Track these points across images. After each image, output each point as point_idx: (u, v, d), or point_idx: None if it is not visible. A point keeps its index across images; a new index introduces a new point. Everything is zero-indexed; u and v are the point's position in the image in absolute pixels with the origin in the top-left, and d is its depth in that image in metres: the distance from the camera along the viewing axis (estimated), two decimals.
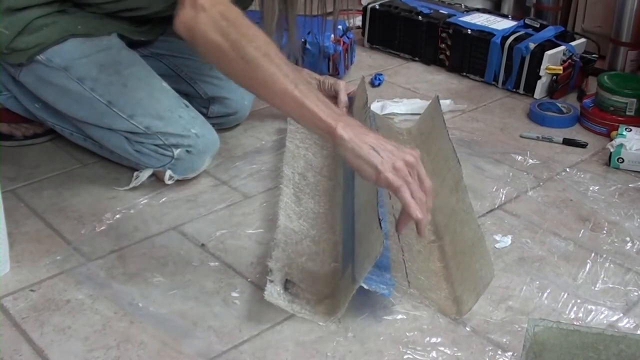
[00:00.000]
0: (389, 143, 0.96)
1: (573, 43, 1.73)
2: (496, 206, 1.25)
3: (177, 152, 1.25)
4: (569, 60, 1.71)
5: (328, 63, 1.75)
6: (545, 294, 1.03)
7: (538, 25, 1.77)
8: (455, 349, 0.92)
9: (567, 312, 0.99)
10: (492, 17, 1.88)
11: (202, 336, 0.94)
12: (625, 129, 1.44)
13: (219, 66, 1.05)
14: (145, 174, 1.28)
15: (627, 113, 1.53)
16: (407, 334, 0.94)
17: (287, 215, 1.17)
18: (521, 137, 1.52)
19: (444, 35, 1.86)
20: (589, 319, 0.98)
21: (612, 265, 1.10)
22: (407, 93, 1.74)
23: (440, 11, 1.93)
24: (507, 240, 1.15)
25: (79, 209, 1.23)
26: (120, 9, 1.28)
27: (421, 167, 0.96)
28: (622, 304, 1.01)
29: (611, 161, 1.39)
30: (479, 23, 1.83)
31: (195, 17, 0.99)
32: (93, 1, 1.27)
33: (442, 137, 1.32)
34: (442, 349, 0.92)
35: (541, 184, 1.33)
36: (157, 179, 1.31)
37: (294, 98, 0.96)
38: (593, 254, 1.12)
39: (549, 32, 1.74)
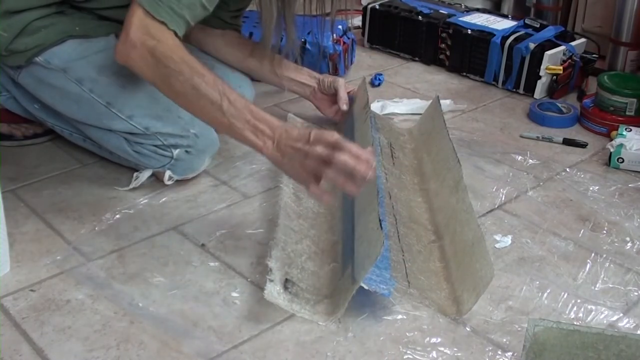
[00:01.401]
0: (306, 140, 1.00)
1: (573, 43, 1.73)
2: (496, 206, 1.25)
3: (176, 152, 1.25)
4: (569, 60, 1.71)
5: (328, 63, 1.75)
6: (545, 294, 1.03)
7: (538, 25, 1.77)
8: (455, 349, 0.92)
9: (567, 312, 0.99)
10: (492, 17, 1.88)
11: (202, 336, 0.94)
12: (625, 129, 1.44)
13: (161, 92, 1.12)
14: (144, 175, 1.28)
15: (627, 113, 1.53)
16: (407, 334, 0.94)
17: (286, 214, 1.17)
18: (521, 137, 1.52)
19: (444, 35, 1.86)
20: (589, 319, 0.98)
21: (612, 265, 1.10)
22: (407, 93, 1.74)
23: (440, 11, 1.93)
24: (507, 240, 1.15)
25: (79, 209, 1.23)
26: (119, 16, 1.28)
27: (343, 145, 0.97)
28: (622, 303, 1.01)
29: (611, 161, 1.39)
30: (479, 23, 1.83)
31: (127, 54, 1.09)
32: (92, 6, 1.27)
33: (442, 137, 1.32)
34: (442, 349, 0.92)
35: (541, 184, 1.33)
36: (157, 179, 1.31)
37: (223, 124, 1.05)
38: (593, 254, 1.12)
39: (549, 32, 1.74)
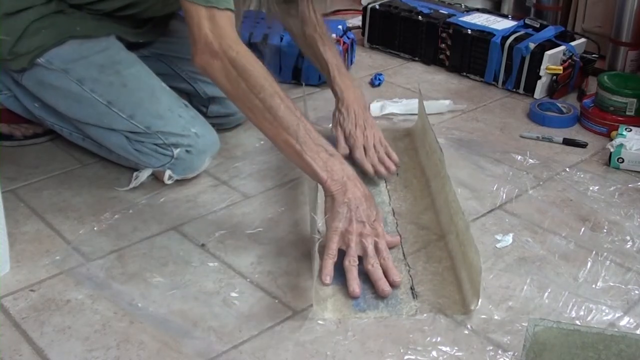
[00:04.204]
0: (370, 217, 1.05)
1: (573, 43, 1.73)
2: (496, 206, 1.25)
3: (176, 151, 1.25)
4: (569, 60, 1.70)
5: None
6: (546, 294, 1.03)
7: (538, 25, 1.77)
8: (456, 348, 0.92)
9: (567, 312, 0.99)
10: (492, 17, 1.88)
11: (202, 336, 0.94)
12: (625, 129, 1.44)
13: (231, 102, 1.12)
14: (144, 174, 1.28)
15: (627, 113, 1.53)
16: (408, 334, 0.94)
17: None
18: (521, 137, 1.52)
19: (444, 35, 1.86)
20: (589, 318, 0.98)
21: (612, 265, 1.10)
22: (407, 93, 1.73)
23: (440, 11, 1.93)
24: (509, 239, 1.15)
25: (79, 209, 1.23)
26: (115, 8, 1.28)
27: (385, 256, 1.04)
28: (623, 302, 1.01)
29: (611, 161, 1.39)
30: (479, 23, 1.83)
31: (210, 63, 1.06)
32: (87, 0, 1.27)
33: (427, 130, 1.34)
34: (442, 348, 0.92)
35: (541, 183, 1.33)
36: (156, 179, 1.30)
37: (294, 150, 1.06)
38: (593, 253, 1.12)
39: (549, 32, 1.74)
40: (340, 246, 1.04)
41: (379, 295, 1.00)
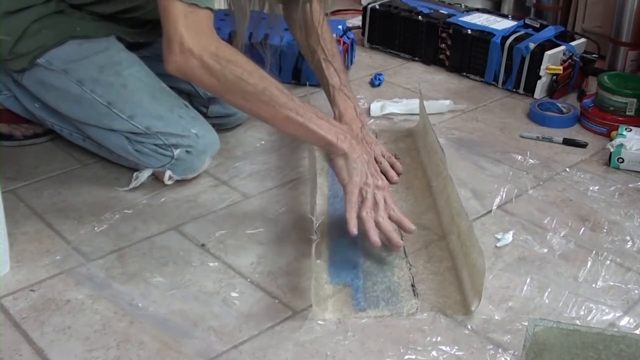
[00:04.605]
0: (372, 161, 1.12)
1: (573, 43, 1.73)
2: (496, 206, 1.25)
3: (177, 152, 1.25)
4: (569, 60, 1.71)
5: None
6: (546, 293, 1.03)
7: (538, 25, 1.77)
8: (456, 347, 0.92)
9: (567, 311, 0.99)
10: (492, 17, 1.88)
11: (202, 336, 0.94)
12: (625, 129, 1.44)
13: (222, 99, 1.13)
14: (144, 174, 1.28)
15: (627, 113, 1.53)
16: (408, 334, 0.94)
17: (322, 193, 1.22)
18: (521, 137, 1.52)
19: (444, 35, 1.86)
20: (589, 318, 0.98)
21: (612, 264, 1.10)
22: (407, 93, 1.73)
23: (440, 11, 1.93)
24: (509, 237, 1.15)
25: (79, 209, 1.23)
26: (115, 11, 1.28)
27: (388, 199, 1.09)
28: (623, 302, 1.01)
29: (611, 161, 1.39)
30: (479, 23, 1.83)
31: (186, 64, 1.05)
32: (87, 0, 1.27)
33: (427, 130, 1.34)
34: (442, 347, 0.92)
35: (541, 183, 1.33)
36: (156, 179, 1.30)
37: (297, 122, 1.08)
38: (593, 253, 1.12)
39: (549, 32, 1.74)
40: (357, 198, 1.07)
41: (393, 248, 1.06)
